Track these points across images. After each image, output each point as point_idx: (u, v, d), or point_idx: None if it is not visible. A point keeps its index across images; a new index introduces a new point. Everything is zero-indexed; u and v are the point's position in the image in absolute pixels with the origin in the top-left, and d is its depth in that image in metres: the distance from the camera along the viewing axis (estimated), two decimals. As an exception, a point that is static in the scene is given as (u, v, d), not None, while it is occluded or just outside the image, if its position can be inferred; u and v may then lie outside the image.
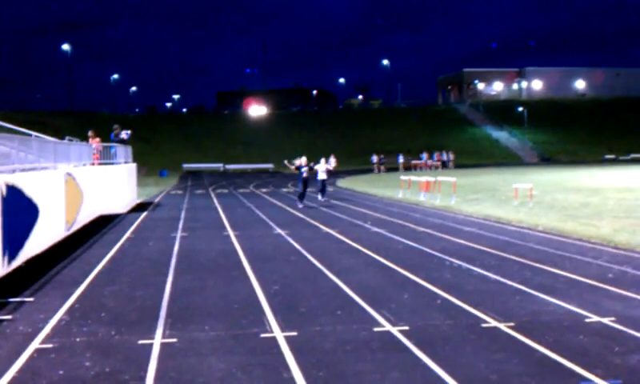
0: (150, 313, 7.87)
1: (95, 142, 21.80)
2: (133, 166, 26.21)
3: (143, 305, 8.33)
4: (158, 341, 6.69)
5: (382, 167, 57.80)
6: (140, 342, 6.68)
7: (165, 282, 9.75)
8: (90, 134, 22.39)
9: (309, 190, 23.94)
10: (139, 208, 23.55)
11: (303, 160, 23.19)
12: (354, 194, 29.89)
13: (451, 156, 67.20)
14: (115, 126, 25.54)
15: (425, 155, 63.45)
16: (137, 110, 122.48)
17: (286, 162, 25.52)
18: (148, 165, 60.65)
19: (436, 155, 65.20)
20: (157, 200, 28.26)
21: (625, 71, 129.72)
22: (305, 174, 22.71)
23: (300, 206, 22.39)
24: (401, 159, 61.08)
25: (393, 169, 58.04)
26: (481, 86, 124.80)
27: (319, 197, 24.83)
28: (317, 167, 24.29)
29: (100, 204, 19.83)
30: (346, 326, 7.11)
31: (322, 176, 24.60)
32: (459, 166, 65.77)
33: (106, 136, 24.81)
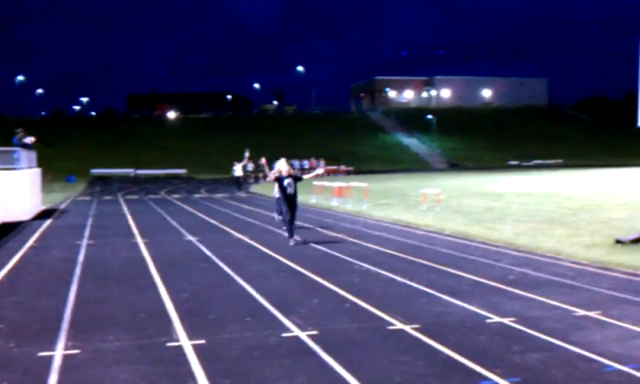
0: (51, 324, 7.60)
1: None
2: (37, 172, 25.24)
3: (45, 315, 8.03)
4: (59, 352, 6.46)
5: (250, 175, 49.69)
6: (40, 354, 6.43)
7: (68, 292, 9.43)
8: None
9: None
10: (44, 215, 22.69)
11: (284, 166, 14.58)
12: (267, 200, 29.87)
13: (322, 163, 63.41)
14: (18, 130, 24.52)
15: (297, 163, 58.93)
16: (43, 113, 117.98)
17: (263, 161, 16.05)
18: (54, 170, 58.51)
19: (308, 163, 62.62)
20: (63, 206, 27.33)
21: (528, 81, 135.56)
22: (290, 190, 14.32)
23: (292, 243, 14.12)
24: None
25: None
26: (392, 93, 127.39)
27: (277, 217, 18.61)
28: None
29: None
30: (254, 332, 7.09)
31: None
32: (372, 171, 66.81)
33: (8, 140, 23.80)
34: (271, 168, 15.28)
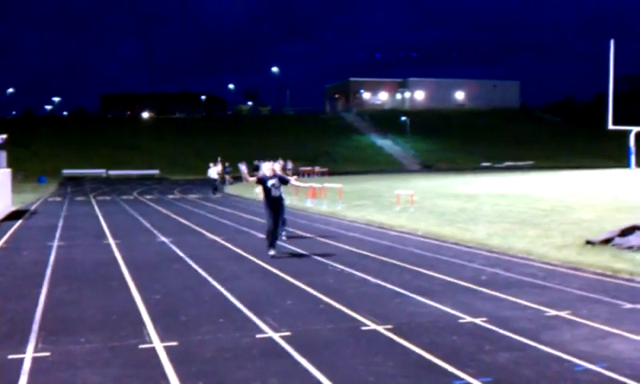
0: (21, 326, 7.49)
1: None
2: (7, 172, 24.88)
3: (15, 318, 7.91)
4: (29, 355, 6.37)
5: (228, 176, 46.63)
6: (10, 356, 6.33)
7: (39, 294, 9.30)
8: None
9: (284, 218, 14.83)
10: (14, 216, 22.36)
11: (270, 166, 13.14)
12: (241, 201, 29.77)
13: (289, 164, 59.11)
14: (-13, 130, 24.17)
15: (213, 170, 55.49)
16: (13, 112, 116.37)
17: (242, 167, 13.33)
18: (25, 170, 57.77)
19: (279, 165, 61.54)
20: (33, 207, 26.96)
21: (501, 83, 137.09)
22: (275, 192, 12.73)
23: (272, 253, 12.51)
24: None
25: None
26: (366, 95, 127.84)
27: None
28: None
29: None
30: (227, 333, 7.06)
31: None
32: (347, 172, 66.96)
33: None
34: (252, 175, 13.31)
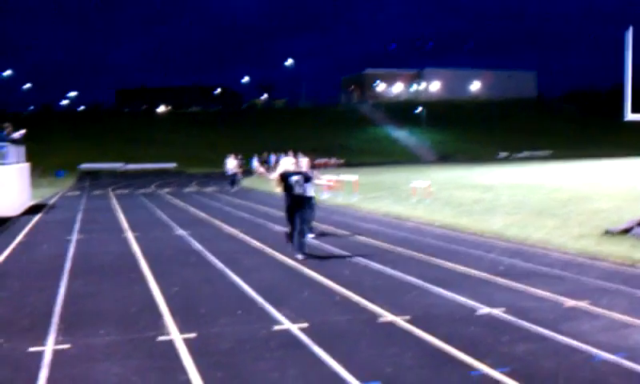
0: (41, 319, 7.57)
1: None
2: (26, 167, 25.09)
3: (35, 311, 8.00)
4: (49, 347, 6.44)
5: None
6: (31, 349, 6.41)
7: (58, 287, 9.39)
8: None
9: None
10: (33, 210, 22.57)
11: (293, 161, 11.89)
12: (257, 193, 29.83)
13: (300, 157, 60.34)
14: (6, 125, 24.37)
15: (255, 160, 50.37)
16: (31, 108, 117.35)
17: (255, 164, 11.35)
18: (44, 165, 58.22)
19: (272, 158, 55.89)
20: (52, 202, 27.19)
21: (517, 73, 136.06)
22: (299, 189, 11.41)
23: (300, 256, 11.25)
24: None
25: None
26: (382, 86, 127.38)
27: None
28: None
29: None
30: (245, 325, 7.09)
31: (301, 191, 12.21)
32: (362, 164, 66.86)
33: None
34: (267, 167, 12.53)
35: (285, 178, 11.46)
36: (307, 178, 11.83)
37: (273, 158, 58.01)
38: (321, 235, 14.26)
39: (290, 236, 11.56)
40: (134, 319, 7.46)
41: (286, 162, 11.72)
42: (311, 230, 13.64)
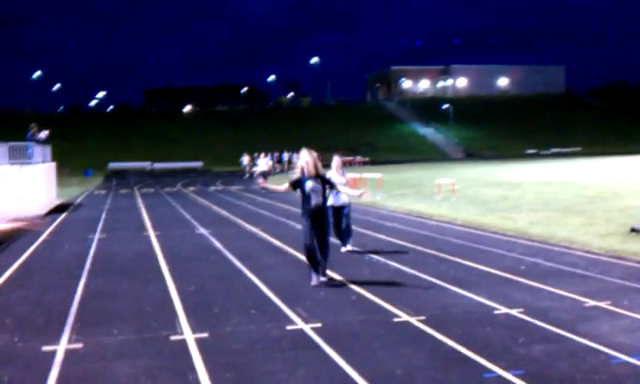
0: (57, 318, 7.60)
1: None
2: (52, 166, 25.40)
3: (51, 310, 8.04)
4: (62, 347, 6.46)
5: (256, 170, 43.90)
6: (44, 348, 6.43)
7: (77, 286, 9.44)
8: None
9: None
10: (58, 209, 22.82)
11: (308, 159, 9.05)
12: (281, 193, 29.83)
13: (285, 156, 57.93)
14: (32, 125, 24.71)
15: (245, 159, 49.98)
16: (61, 108, 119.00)
17: (260, 181, 11.04)
18: (72, 164, 59.00)
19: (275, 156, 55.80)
20: (78, 201, 27.48)
21: (545, 68, 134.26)
22: (315, 199, 8.96)
23: (315, 281, 8.99)
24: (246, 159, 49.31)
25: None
26: (408, 83, 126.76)
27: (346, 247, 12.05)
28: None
29: (13, 205, 19.11)
30: (258, 325, 7.04)
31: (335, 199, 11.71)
32: (388, 162, 66.58)
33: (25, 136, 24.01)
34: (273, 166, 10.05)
35: (297, 185, 9.18)
36: (326, 183, 9.16)
37: (286, 155, 57.93)
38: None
39: (309, 252, 9.06)
40: (148, 318, 7.46)
41: (303, 158, 9.13)
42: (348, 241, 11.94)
